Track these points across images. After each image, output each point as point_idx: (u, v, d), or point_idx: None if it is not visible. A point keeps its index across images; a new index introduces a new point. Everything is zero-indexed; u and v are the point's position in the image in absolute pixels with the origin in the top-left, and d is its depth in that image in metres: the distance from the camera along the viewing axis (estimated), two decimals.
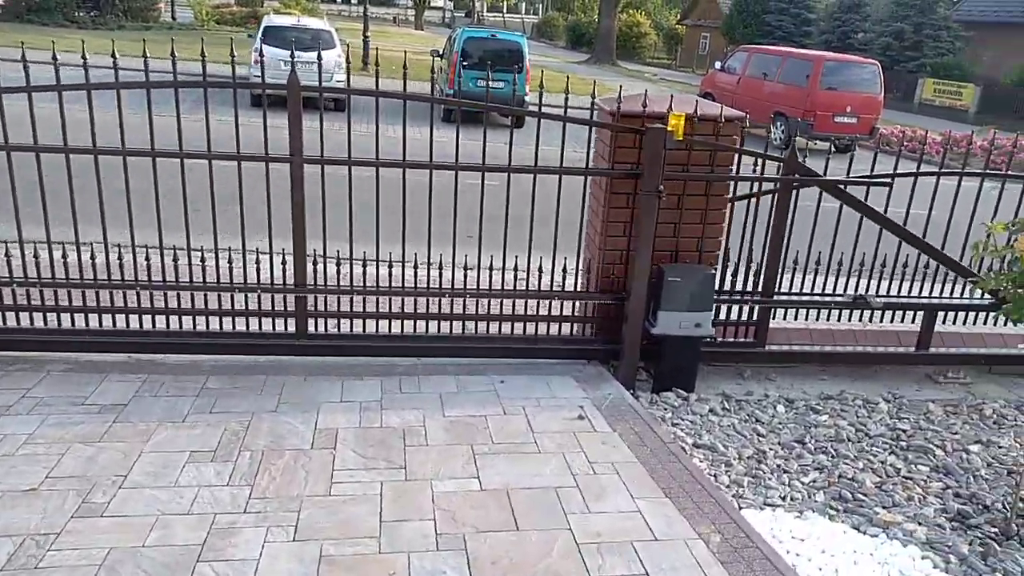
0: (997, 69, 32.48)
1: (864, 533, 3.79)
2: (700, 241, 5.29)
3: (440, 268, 5.13)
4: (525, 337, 5.37)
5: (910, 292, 5.81)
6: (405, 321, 5.22)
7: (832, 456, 4.55)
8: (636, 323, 5.10)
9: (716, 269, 5.35)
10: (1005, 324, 5.91)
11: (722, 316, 5.57)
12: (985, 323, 6.17)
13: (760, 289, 5.50)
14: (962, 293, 5.93)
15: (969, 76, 32.46)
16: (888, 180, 5.46)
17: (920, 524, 3.89)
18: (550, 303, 5.38)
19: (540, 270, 5.31)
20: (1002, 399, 5.57)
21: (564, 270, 5.36)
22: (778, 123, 19.01)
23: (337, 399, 4.57)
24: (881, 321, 6.10)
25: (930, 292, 5.86)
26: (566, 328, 5.46)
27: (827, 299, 5.63)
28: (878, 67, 19.39)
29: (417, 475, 3.87)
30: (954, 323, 6.07)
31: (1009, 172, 5.91)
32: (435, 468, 3.94)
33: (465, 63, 17.25)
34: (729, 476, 4.21)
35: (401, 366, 5.09)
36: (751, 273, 5.45)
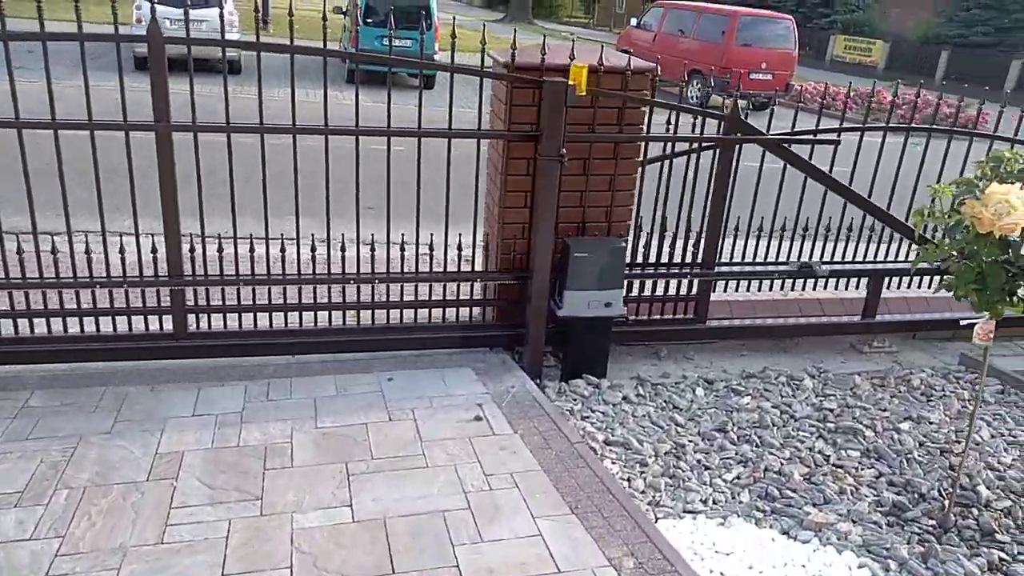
0: (904, 25, 33.09)
1: (795, 539, 3.36)
2: (609, 211, 4.74)
3: (339, 248, 4.45)
4: (418, 326, 4.75)
5: (854, 257, 5.47)
6: (290, 313, 4.53)
7: (756, 446, 4.11)
8: (540, 305, 4.54)
9: (627, 241, 4.82)
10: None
11: (659, 291, 5.08)
12: (930, 287, 5.87)
13: (700, 260, 5.03)
14: (906, 257, 5.58)
15: (878, 32, 32.99)
16: (836, 137, 5.02)
17: (855, 523, 3.48)
18: (444, 286, 4.76)
19: (432, 248, 4.68)
20: (928, 367, 5.27)
21: (460, 248, 4.74)
22: (694, 80, 18.68)
23: (189, 413, 3.86)
24: (825, 288, 5.74)
25: (875, 256, 5.53)
26: (466, 313, 4.86)
27: (771, 269, 5.22)
28: (792, 22, 19.25)
29: (276, 507, 3.23)
30: (899, 287, 5.75)
31: (963, 129, 5.57)
32: (299, 496, 3.30)
33: (368, 20, 16.23)
34: (644, 479, 3.72)
35: (272, 367, 4.40)
36: (688, 243, 4.96)
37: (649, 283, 5.07)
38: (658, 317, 5.17)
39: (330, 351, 4.60)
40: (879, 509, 3.62)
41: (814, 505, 3.60)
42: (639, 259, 4.95)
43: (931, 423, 4.47)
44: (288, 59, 4.12)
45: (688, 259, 5.02)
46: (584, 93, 4.29)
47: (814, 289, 5.75)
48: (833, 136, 5.03)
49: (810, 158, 5.00)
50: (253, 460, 3.52)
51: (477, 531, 3.16)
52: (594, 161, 4.59)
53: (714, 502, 3.59)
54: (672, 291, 5.15)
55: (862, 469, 3.96)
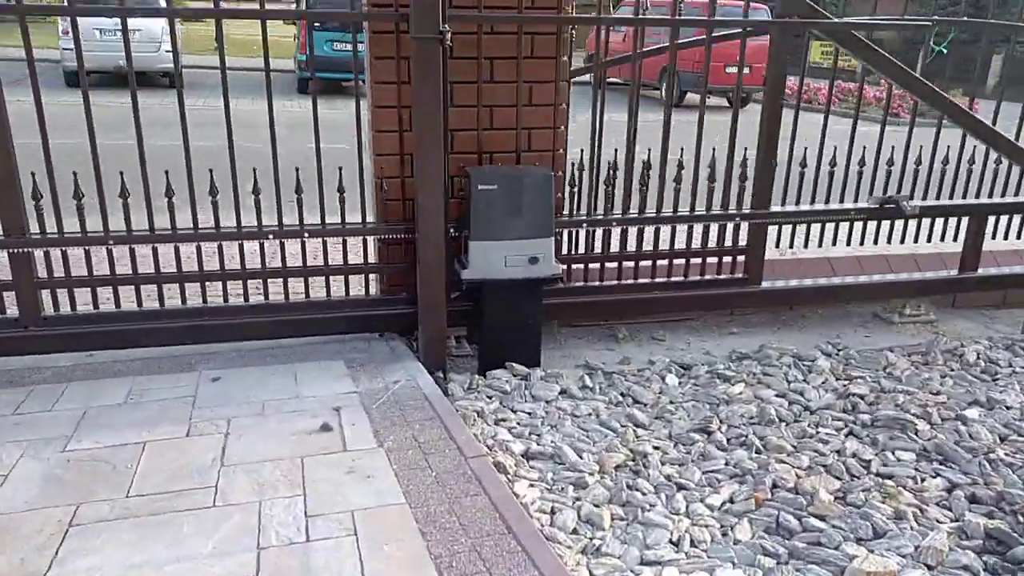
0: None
1: None
2: (529, 135, 3.37)
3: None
4: (269, 305, 3.34)
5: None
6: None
7: (756, 451, 2.70)
8: (433, 264, 3.14)
9: (561, 172, 3.45)
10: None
11: (695, 243, 3.73)
12: None
13: (751, 201, 3.69)
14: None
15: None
16: (928, 22, 3.71)
17: (932, 569, 2.06)
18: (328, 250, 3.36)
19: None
20: (984, 339, 3.88)
21: (341, 191, 3.33)
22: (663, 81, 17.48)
23: None
24: (903, 241, 4.34)
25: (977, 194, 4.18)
26: (356, 286, 3.46)
27: (847, 207, 3.85)
28: (768, 11, 18.17)
29: None
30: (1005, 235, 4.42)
31: None
32: None
33: (316, 24, 15.03)
34: (578, 510, 2.29)
35: (50, 370, 2.99)
36: (731, 177, 3.64)
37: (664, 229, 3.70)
38: (678, 280, 3.74)
39: (149, 343, 3.19)
40: (966, 543, 2.20)
41: (858, 541, 2.18)
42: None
43: (1008, 408, 3.07)
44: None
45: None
46: None
47: (888, 241, 4.31)
48: (926, 21, 3.73)
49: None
50: None
51: None
52: (499, 63, 3.24)
53: (693, 543, 2.17)
54: (704, 243, 3.78)
55: (924, 479, 2.55)
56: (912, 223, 4.10)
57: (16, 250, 2.98)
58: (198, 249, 3.18)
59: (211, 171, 3.09)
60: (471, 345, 3.56)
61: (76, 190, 3.02)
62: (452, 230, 3.28)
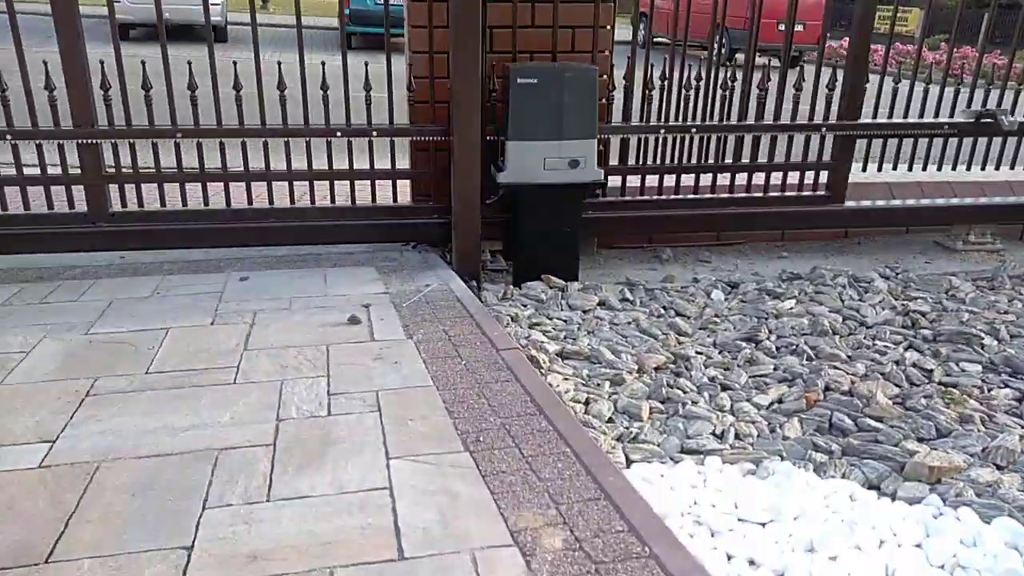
0: None
1: (893, 497, 1.78)
2: (573, 35, 3.19)
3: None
4: (298, 210, 3.24)
5: None
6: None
7: (808, 358, 2.53)
8: (468, 165, 2.99)
9: (606, 77, 3.27)
10: None
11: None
12: None
13: (839, 112, 3.49)
14: None
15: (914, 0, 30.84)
16: None
17: (1001, 469, 1.89)
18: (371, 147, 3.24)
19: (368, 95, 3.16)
20: None
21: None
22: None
23: None
24: (998, 167, 3.94)
25: None
26: (386, 193, 3.35)
27: (941, 121, 3.60)
28: None
29: None
30: None
31: None
32: None
33: None
34: (614, 402, 2.16)
35: (79, 268, 2.95)
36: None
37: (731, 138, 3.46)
38: (757, 196, 3.56)
39: (183, 244, 3.14)
40: None
41: (920, 440, 2.01)
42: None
43: None
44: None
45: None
46: None
47: (983, 167, 3.90)
48: None
49: None
50: None
51: (267, 483, 1.63)
52: None
53: (738, 436, 2.02)
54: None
55: (991, 388, 2.35)
56: (1011, 144, 3.79)
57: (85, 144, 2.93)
58: (265, 145, 3.08)
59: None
60: (507, 261, 3.42)
61: (144, 79, 2.95)
62: (488, 135, 3.14)
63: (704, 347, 2.61)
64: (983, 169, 3.90)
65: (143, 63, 3.01)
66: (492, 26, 3.11)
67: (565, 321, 2.79)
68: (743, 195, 3.58)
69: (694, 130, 3.39)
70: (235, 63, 3.12)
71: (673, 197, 3.50)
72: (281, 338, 2.36)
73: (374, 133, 3.15)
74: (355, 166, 3.22)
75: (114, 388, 2.03)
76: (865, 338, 2.71)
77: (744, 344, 2.61)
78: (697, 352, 2.53)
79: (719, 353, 2.56)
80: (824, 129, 3.48)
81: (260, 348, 2.28)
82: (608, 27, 3.26)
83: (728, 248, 3.75)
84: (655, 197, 3.50)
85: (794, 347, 2.60)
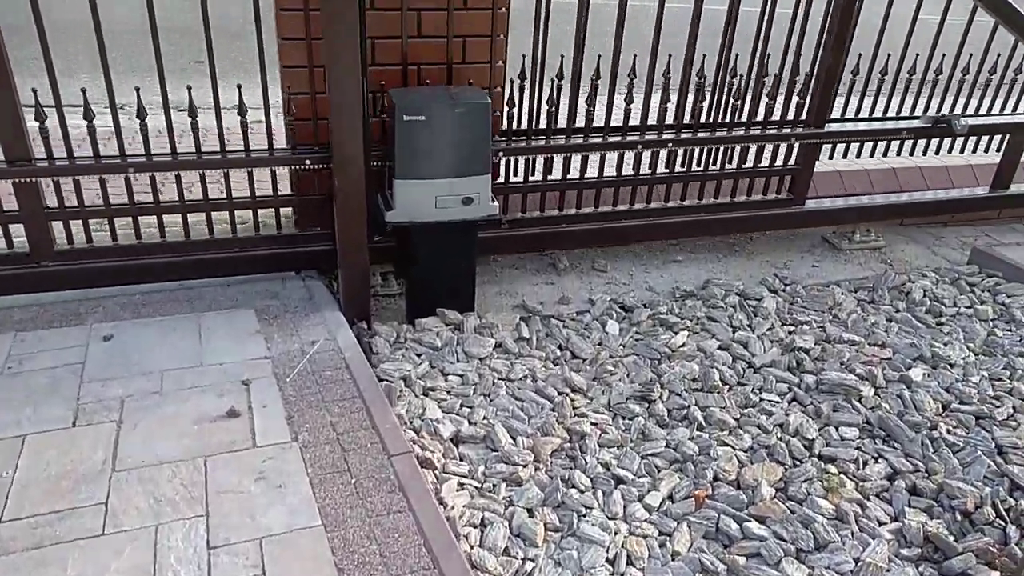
0: None
1: None
2: (464, 44, 2.92)
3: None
4: (168, 244, 2.95)
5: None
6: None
7: (699, 427, 2.58)
8: (352, 202, 2.77)
9: (500, 90, 3.05)
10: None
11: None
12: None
13: (806, 116, 3.57)
14: None
15: None
16: None
17: None
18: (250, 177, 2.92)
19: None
20: (931, 270, 3.77)
21: (240, 113, 2.87)
22: None
23: None
24: (950, 151, 4.25)
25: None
26: (267, 218, 3.08)
27: (900, 126, 3.80)
28: None
29: None
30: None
31: None
32: None
33: None
34: (511, 520, 2.14)
35: None
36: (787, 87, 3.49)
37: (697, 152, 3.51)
38: (724, 201, 3.66)
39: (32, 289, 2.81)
40: (905, 552, 2.15)
41: (799, 554, 2.11)
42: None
43: (951, 366, 3.00)
44: None
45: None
46: None
47: (936, 152, 4.17)
48: None
49: None
50: None
51: None
52: None
53: (630, 559, 2.06)
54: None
55: (866, 463, 2.48)
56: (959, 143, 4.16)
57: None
58: (127, 181, 2.74)
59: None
60: (398, 280, 3.27)
61: None
62: (374, 161, 2.90)
63: (598, 412, 2.61)
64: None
65: None
66: (375, 37, 2.80)
67: (461, 377, 2.72)
68: (696, 202, 3.58)
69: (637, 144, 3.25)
70: (84, 89, 2.71)
71: (581, 212, 3.42)
72: (153, 449, 2.19)
73: (249, 166, 2.85)
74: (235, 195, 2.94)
75: None
76: (753, 390, 2.78)
77: (636, 407, 2.62)
78: (592, 423, 2.53)
79: (613, 421, 2.57)
80: (794, 138, 3.53)
81: (130, 468, 2.11)
82: (503, 36, 2.99)
83: (623, 251, 3.71)
84: (559, 213, 3.38)
85: (685, 410, 2.64)
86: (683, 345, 3.01)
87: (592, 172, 3.38)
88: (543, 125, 3.21)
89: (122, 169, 2.72)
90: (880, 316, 3.33)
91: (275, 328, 2.78)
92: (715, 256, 3.76)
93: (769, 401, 2.73)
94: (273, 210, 3.05)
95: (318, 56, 2.75)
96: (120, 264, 2.88)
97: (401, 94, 2.74)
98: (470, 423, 2.50)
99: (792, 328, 3.19)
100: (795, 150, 3.62)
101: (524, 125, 3.19)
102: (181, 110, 2.94)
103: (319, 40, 2.69)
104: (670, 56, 3.20)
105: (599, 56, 3.15)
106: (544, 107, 3.14)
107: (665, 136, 3.33)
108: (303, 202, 3.03)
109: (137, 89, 2.72)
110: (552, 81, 3.08)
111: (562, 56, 3.08)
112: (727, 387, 2.80)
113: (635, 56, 3.15)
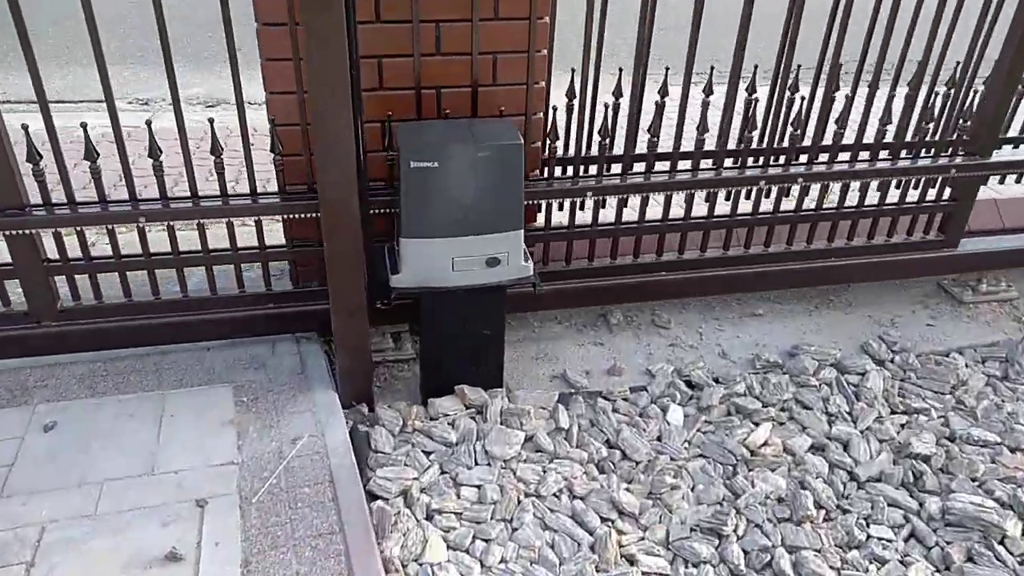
0: None
1: None
2: (493, 63, 2.30)
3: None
4: (133, 305, 2.44)
5: None
6: None
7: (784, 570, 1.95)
8: (345, 264, 2.19)
9: (540, 116, 2.42)
10: None
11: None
12: None
13: (969, 139, 2.85)
14: None
15: None
16: None
17: None
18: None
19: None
20: None
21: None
22: None
23: None
24: None
25: None
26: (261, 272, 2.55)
27: None
28: None
29: None
30: None
31: None
32: None
33: None
34: None
35: None
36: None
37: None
38: (858, 244, 3.02)
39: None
40: None
41: None
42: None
43: None
44: None
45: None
46: None
47: None
48: None
49: None
50: None
51: None
52: None
53: None
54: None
55: None
56: None
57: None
58: (80, 233, 2.25)
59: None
60: (414, 339, 2.70)
61: None
62: (379, 208, 2.32)
63: (652, 554, 2.00)
64: None
65: None
66: (381, 55, 2.20)
67: (478, 489, 2.15)
68: (827, 246, 2.93)
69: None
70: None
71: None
72: None
73: (227, 216, 2.30)
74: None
75: None
76: (858, 521, 2.13)
77: (703, 549, 2.00)
78: (643, 573, 1.93)
79: (671, 567, 1.96)
80: (954, 171, 2.82)
81: None
82: (544, 51, 2.35)
83: (691, 301, 3.06)
84: (611, 263, 2.75)
85: (768, 554, 2.01)
86: (765, 444, 2.37)
87: (655, 211, 2.73)
88: (594, 152, 2.58)
89: (73, 222, 2.20)
90: (1019, 403, 2.61)
91: (253, 415, 2.25)
92: (804, 308, 3.07)
93: (879, 540, 2.08)
94: (260, 264, 2.50)
95: (271, 76, 2.18)
96: (74, 329, 2.38)
97: (409, 132, 2.14)
98: (483, 567, 1.92)
99: (905, 420, 2.51)
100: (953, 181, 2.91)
101: (571, 151, 2.57)
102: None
103: (272, 59, 2.11)
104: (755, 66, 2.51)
105: (667, 69, 2.49)
106: (596, 137, 2.50)
107: (793, 170, 2.65)
108: (297, 253, 2.48)
109: (84, 124, 2.20)
110: (606, 107, 2.43)
111: (620, 69, 2.43)
112: (823, 513, 2.15)
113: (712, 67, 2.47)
